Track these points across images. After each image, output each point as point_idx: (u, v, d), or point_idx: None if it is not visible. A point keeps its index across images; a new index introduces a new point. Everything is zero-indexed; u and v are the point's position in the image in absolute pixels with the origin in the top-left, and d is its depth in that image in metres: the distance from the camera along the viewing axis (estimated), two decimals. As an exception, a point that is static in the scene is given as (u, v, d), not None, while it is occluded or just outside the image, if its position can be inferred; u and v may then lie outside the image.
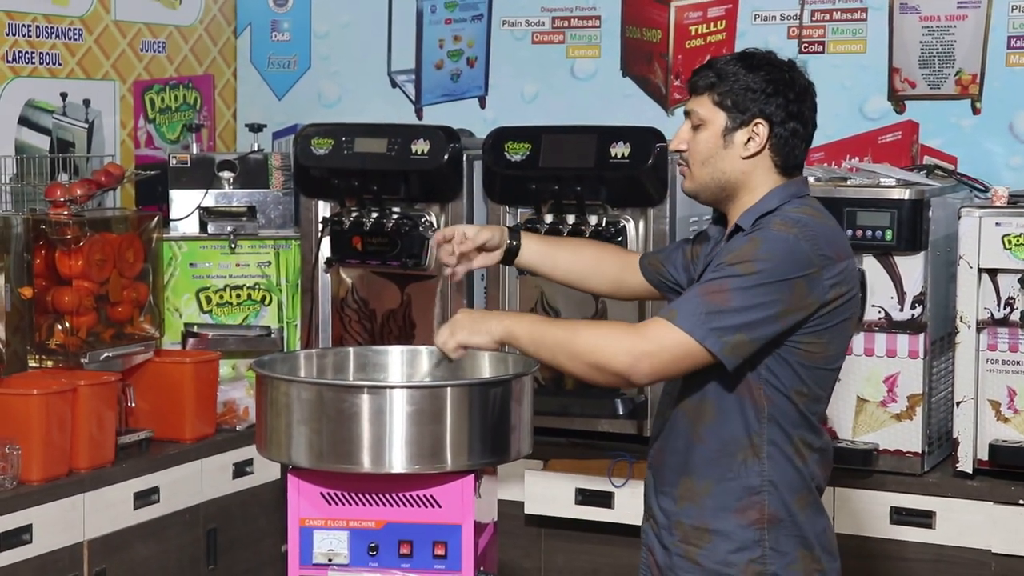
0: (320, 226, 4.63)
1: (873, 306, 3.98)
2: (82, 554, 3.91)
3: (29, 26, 4.64)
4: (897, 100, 4.65)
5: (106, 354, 4.22)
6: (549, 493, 4.23)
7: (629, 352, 2.73)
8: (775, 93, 2.85)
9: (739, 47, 4.70)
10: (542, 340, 2.85)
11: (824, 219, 2.88)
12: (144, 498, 4.10)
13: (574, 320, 3.04)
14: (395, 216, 4.50)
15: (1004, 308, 3.93)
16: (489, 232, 3.21)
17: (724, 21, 4.84)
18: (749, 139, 2.86)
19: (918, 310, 3.97)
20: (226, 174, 4.78)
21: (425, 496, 2.99)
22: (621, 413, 4.28)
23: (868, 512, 3.97)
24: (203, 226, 4.76)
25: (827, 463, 2.95)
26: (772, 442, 2.85)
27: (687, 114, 2.93)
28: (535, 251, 3.27)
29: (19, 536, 3.72)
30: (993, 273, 3.92)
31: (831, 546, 2.95)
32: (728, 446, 2.86)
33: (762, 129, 2.86)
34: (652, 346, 2.73)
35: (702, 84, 2.90)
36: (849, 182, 4.11)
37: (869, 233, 3.93)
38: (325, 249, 4.61)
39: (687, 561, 2.89)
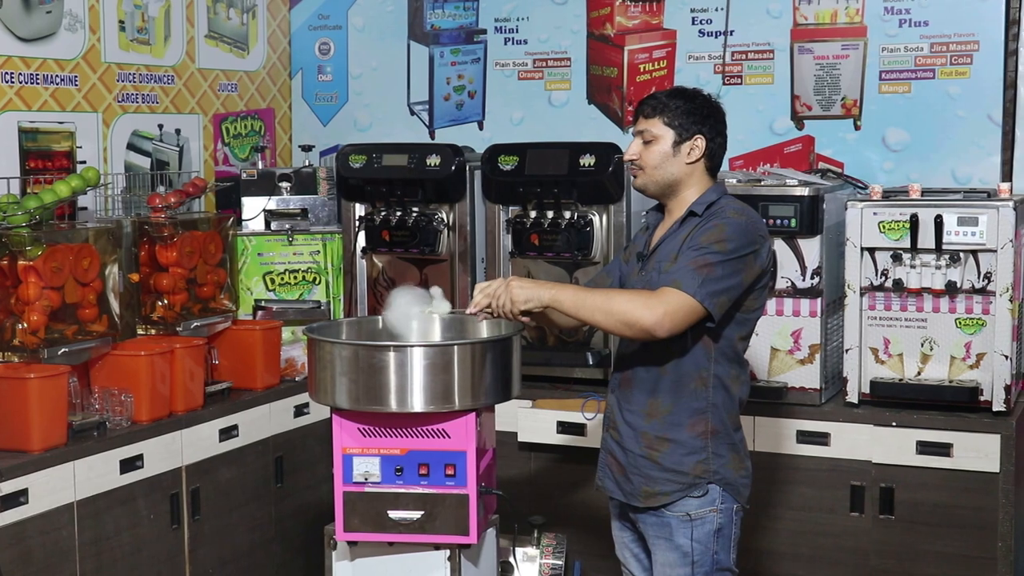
0: (357, 223, 4.63)
1: (783, 277, 3.98)
2: (181, 476, 3.92)
3: (134, 74, 4.63)
4: (798, 120, 4.64)
5: (195, 324, 4.21)
6: (536, 425, 4.23)
7: (653, 312, 2.77)
8: (708, 116, 2.97)
9: (677, 81, 4.75)
10: (583, 303, 2.85)
11: (752, 210, 3.00)
12: (227, 433, 4.10)
13: (606, 289, 3.03)
14: (414, 214, 4.50)
15: (880, 277, 3.94)
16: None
17: (665, 61, 4.82)
18: (691, 150, 2.95)
19: (816, 280, 3.97)
20: (284, 184, 4.77)
21: (438, 429, 3.00)
22: (591, 363, 4.29)
23: (780, 435, 3.98)
24: (267, 224, 4.75)
25: (747, 390, 3.05)
26: (716, 375, 2.94)
27: (638, 133, 2.99)
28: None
29: (134, 463, 3.73)
30: (872, 251, 3.93)
31: (747, 450, 3.05)
32: (684, 378, 2.94)
33: (701, 142, 2.96)
34: (671, 307, 2.78)
35: (652, 110, 2.96)
36: (763, 183, 4.10)
37: (778, 221, 3.93)
38: (361, 240, 4.62)
39: (650, 462, 2.97)
